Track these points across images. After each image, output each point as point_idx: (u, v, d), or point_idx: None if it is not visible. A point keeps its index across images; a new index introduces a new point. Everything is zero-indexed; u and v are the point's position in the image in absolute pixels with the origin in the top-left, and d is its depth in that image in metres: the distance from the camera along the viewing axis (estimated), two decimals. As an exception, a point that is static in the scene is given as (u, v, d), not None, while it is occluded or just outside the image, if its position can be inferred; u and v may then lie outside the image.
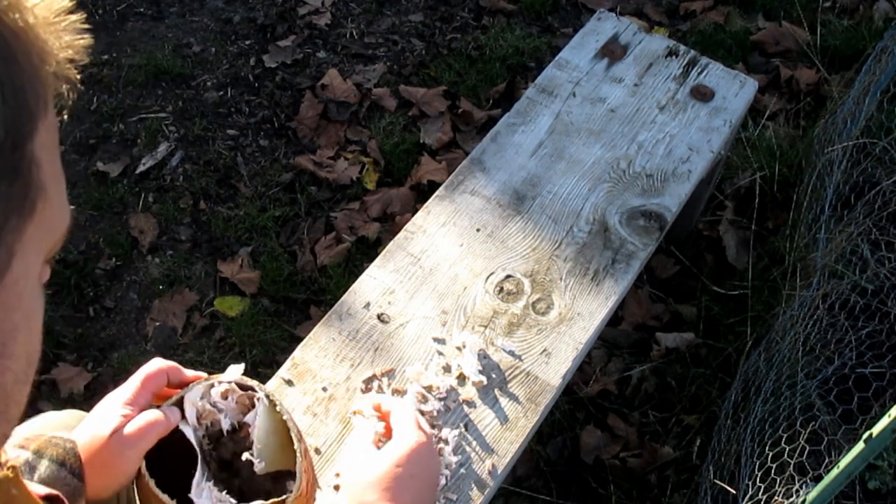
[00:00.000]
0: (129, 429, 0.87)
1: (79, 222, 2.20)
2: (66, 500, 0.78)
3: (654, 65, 1.79)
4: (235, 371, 0.97)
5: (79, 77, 0.47)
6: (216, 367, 1.96)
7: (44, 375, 1.92)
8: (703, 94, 1.73)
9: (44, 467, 0.82)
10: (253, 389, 0.96)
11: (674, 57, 1.81)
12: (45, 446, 0.84)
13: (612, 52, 1.81)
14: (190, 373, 0.98)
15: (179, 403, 0.94)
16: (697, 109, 1.72)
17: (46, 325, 1.99)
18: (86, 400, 1.89)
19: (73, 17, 0.45)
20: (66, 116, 0.48)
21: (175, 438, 0.92)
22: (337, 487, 1.18)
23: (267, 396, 0.95)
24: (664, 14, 2.84)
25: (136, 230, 2.18)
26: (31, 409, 1.98)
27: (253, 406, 0.95)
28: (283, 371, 1.30)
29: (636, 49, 1.82)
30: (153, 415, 0.90)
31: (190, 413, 0.94)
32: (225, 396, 0.96)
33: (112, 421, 0.88)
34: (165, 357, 2.07)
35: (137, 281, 2.11)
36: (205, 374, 0.98)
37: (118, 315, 2.06)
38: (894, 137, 1.94)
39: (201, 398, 0.95)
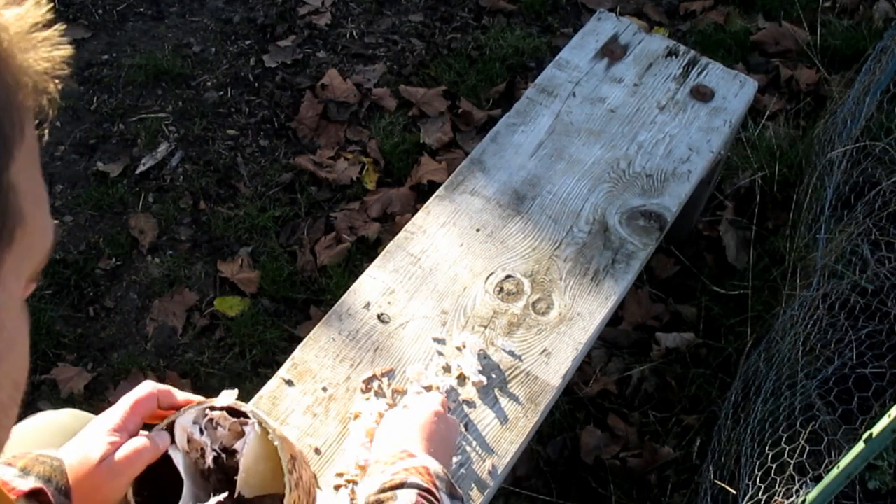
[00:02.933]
0: (118, 456, 0.87)
1: (79, 222, 2.20)
2: (49, 495, 0.78)
3: (654, 65, 1.79)
4: (229, 396, 0.96)
5: (59, 89, 0.45)
6: (216, 367, 1.96)
7: (44, 375, 1.92)
8: (703, 94, 1.74)
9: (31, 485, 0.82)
10: (245, 416, 0.95)
11: (674, 57, 1.81)
12: (32, 464, 0.84)
13: (612, 52, 1.81)
14: (181, 396, 0.97)
15: (170, 428, 0.93)
16: (697, 109, 1.72)
17: (46, 326, 1.99)
18: (86, 400, 1.89)
19: (49, 29, 0.44)
20: (46, 132, 0.47)
21: (163, 461, 0.91)
22: (337, 487, 1.18)
23: (259, 424, 0.94)
24: (664, 14, 2.84)
25: (136, 230, 2.18)
26: (31, 409, 1.98)
27: (244, 433, 0.94)
28: (283, 371, 1.30)
29: (636, 49, 1.82)
30: (141, 442, 0.89)
31: (180, 438, 0.93)
32: (217, 425, 0.95)
33: (100, 447, 0.87)
34: (165, 358, 2.07)
35: (137, 281, 2.11)
36: (197, 398, 0.97)
37: (118, 315, 2.06)
38: (894, 137, 1.94)
39: (193, 422, 0.94)
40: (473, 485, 1.21)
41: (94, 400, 1.90)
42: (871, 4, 2.79)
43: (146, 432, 0.92)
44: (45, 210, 0.48)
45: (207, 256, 2.17)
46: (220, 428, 0.95)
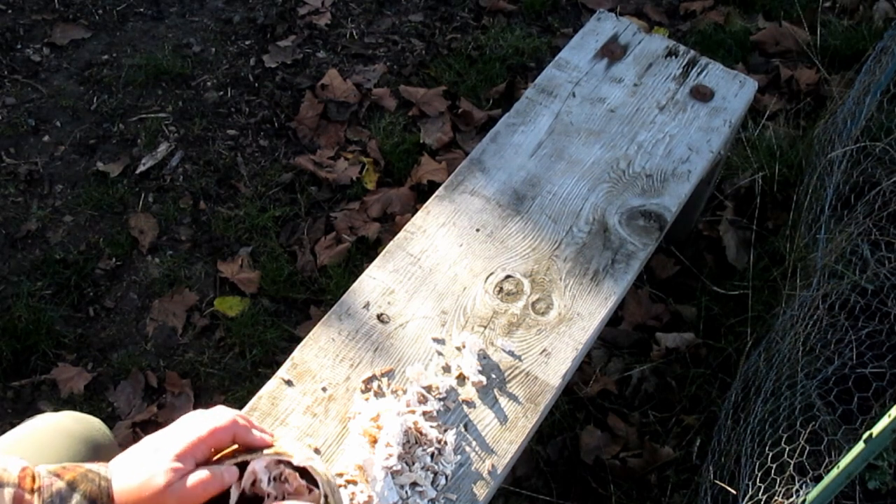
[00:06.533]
0: (184, 485, 0.86)
1: (79, 222, 2.20)
2: None
3: (654, 65, 1.79)
4: (306, 456, 0.94)
5: None
6: (216, 367, 1.96)
7: (44, 375, 1.92)
8: (702, 94, 1.74)
9: (75, 501, 0.81)
10: (316, 485, 0.94)
11: (673, 57, 1.81)
12: (80, 480, 0.84)
13: (612, 52, 1.81)
14: (256, 434, 0.94)
15: (241, 466, 0.92)
16: (697, 109, 1.72)
17: (46, 325, 1.99)
18: (86, 400, 1.89)
19: None
20: None
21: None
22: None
23: (325, 497, 0.93)
24: (664, 14, 2.84)
25: (136, 230, 2.18)
26: (31, 409, 1.97)
27: (310, 490, 0.93)
28: (283, 371, 1.30)
29: (636, 49, 1.82)
30: (208, 475, 0.88)
31: (246, 479, 0.92)
32: (285, 480, 0.94)
33: (166, 472, 0.86)
34: (165, 358, 2.07)
35: (137, 281, 2.11)
36: (269, 438, 0.95)
37: (118, 315, 2.06)
38: (894, 137, 1.94)
39: (265, 468, 0.93)
40: (473, 485, 1.21)
41: (94, 400, 1.90)
42: (871, 4, 2.79)
43: (214, 467, 0.90)
44: None
45: (207, 256, 2.17)
46: (287, 484, 0.94)
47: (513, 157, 1.61)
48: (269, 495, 0.93)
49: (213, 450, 0.91)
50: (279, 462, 0.93)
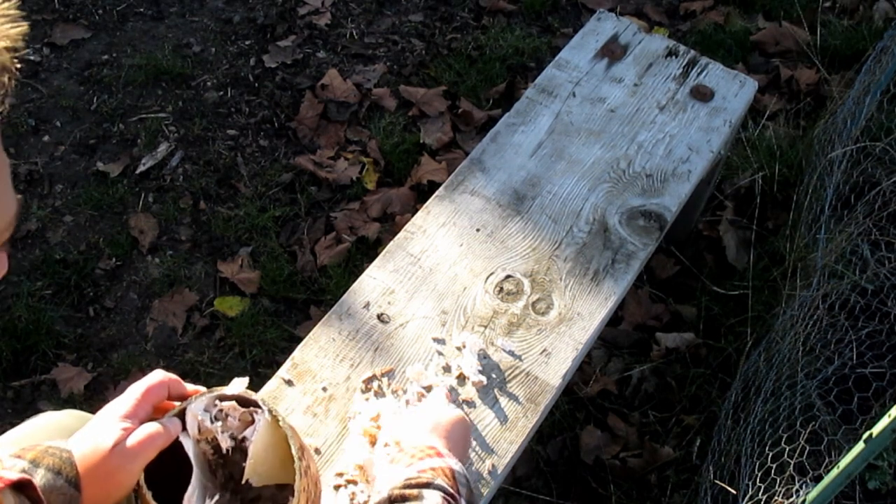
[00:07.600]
0: (131, 441, 0.88)
1: (79, 222, 2.20)
2: (37, 486, 0.78)
3: (654, 65, 1.79)
4: (239, 384, 0.96)
5: (18, 66, 0.46)
6: (216, 366, 1.96)
7: (44, 375, 1.92)
8: (702, 94, 1.74)
9: (40, 476, 0.82)
10: (256, 405, 0.96)
11: (674, 57, 1.81)
12: (42, 456, 0.85)
13: (612, 52, 1.81)
14: (190, 387, 0.98)
15: (181, 415, 0.94)
16: (697, 109, 1.72)
17: (46, 325, 1.99)
18: (86, 400, 1.89)
19: (6, 4, 0.44)
20: (8, 105, 0.47)
21: (174, 448, 0.92)
22: (337, 487, 1.18)
23: (270, 412, 0.95)
24: (664, 14, 2.84)
25: (136, 230, 2.18)
26: (31, 409, 1.97)
27: (254, 421, 0.95)
28: (283, 371, 1.30)
29: (636, 49, 1.82)
30: (154, 427, 0.90)
31: (191, 425, 0.94)
32: (227, 415, 0.96)
33: (113, 433, 0.88)
34: (165, 358, 2.07)
35: (137, 281, 2.11)
36: (204, 389, 0.98)
37: (118, 315, 2.06)
38: (894, 137, 1.94)
39: (204, 410, 0.95)
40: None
41: (94, 400, 1.90)
42: (871, 4, 2.79)
43: (156, 421, 0.92)
44: (5, 178, 0.48)
45: (207, 256, 2.17)
46: (230, 418, 0.96)
47: (513, 157, 1.61)
48: (217, 433, 0.95)
49: (153, 408, 0.94)
50: (215, 400, 0.96)
